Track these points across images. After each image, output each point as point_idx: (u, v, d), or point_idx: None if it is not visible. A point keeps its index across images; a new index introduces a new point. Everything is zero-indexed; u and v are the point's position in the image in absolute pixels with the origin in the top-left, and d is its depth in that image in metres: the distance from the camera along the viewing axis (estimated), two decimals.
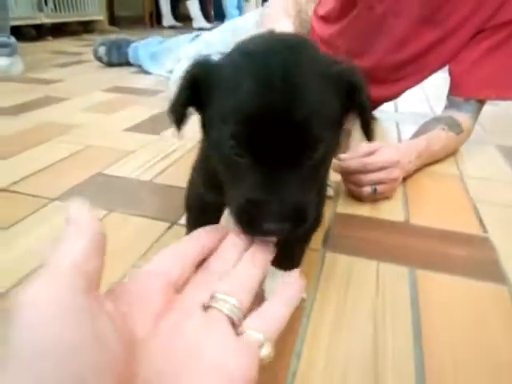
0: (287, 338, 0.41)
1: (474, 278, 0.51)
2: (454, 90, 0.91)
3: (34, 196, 0.68)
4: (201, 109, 0.30)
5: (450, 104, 0.92)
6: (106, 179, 0.76)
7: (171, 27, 3.95)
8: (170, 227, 0.61)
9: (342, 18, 0.97)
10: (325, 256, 0.55)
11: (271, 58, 0.27)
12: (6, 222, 0.59)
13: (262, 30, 0.62)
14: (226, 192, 0.30)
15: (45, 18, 2.78)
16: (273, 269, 0.42)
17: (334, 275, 0.51)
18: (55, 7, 2.87)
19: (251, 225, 0.27)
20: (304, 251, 0.44)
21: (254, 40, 0.31)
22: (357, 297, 0.48)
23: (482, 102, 0.90)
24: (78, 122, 1.06)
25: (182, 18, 4.09)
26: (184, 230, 0.55)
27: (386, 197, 0.71)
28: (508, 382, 0.38)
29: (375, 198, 0.70)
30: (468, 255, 0.56)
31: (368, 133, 0.31)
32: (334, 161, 0.66)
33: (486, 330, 0.43)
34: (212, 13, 4.24)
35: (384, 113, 1.23)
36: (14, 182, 0.72)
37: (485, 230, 0.62)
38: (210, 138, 0.30)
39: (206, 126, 0.31)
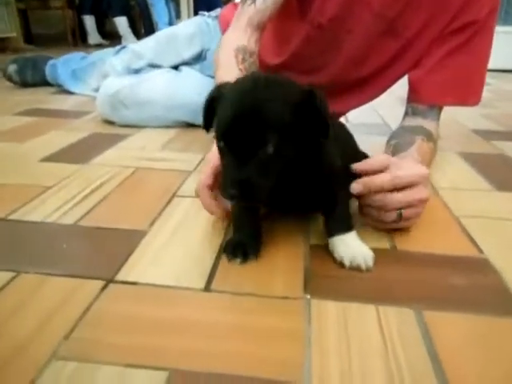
0: None
1: (489, 313, 0.43)
2: (414, 96, 0.86)
3: None
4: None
5: (414, 112, 0.86)
6: (13, 227, 0.58)
7: (97, 45, 3.70)
8: (105, 287, 0.45)
9: (283, 48, 0.93)
10: (310, 305, 0.43)
11: (241, 94, 0.44)
12: None
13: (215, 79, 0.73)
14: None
15: None
16: (334, 238, 0.51)
17: (326, 330, 0.40)
18: None
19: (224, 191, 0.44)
20: (347, 210, 0.52)
21: (238, 80, 0.47)
22: (363, 356, 0.37)
23: (441, 108, 0.86)
24: None
25: (110, 36, 3.86)
26: (124, 287, 0.45)
27: (409, 225, 0.57)
28: None
29: (399, 226, 0.55)
30: (471, 283, 0.47)
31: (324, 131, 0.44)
32: (354, 184, 0.53)
33: None
34: (142, 30, 4.06)
35: None
36: None
37: (480, 249, 0.55)
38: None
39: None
